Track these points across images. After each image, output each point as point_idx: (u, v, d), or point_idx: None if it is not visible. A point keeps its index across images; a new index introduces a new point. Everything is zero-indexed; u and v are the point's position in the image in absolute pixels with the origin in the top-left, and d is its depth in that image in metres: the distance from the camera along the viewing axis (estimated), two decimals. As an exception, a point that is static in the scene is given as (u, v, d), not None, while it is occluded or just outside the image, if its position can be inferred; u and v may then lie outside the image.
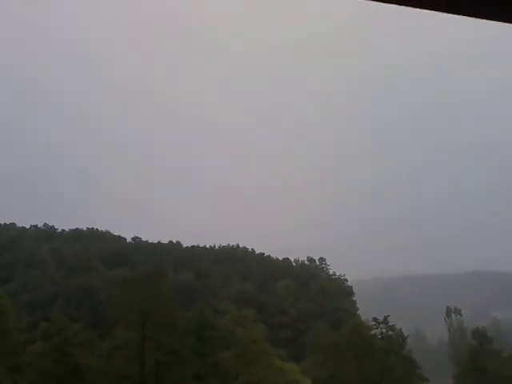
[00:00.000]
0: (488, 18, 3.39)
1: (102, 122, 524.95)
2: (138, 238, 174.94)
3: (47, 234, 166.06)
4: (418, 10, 3.28)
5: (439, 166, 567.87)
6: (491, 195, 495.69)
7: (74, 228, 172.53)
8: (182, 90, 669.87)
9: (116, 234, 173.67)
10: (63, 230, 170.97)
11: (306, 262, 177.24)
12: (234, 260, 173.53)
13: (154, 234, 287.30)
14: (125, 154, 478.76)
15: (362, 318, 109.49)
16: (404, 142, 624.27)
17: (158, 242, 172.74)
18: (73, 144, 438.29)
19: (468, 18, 3.42)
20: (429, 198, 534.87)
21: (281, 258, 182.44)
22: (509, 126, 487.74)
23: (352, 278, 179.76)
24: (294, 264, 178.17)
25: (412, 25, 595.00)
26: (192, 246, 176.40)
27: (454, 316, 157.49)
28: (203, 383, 66.96)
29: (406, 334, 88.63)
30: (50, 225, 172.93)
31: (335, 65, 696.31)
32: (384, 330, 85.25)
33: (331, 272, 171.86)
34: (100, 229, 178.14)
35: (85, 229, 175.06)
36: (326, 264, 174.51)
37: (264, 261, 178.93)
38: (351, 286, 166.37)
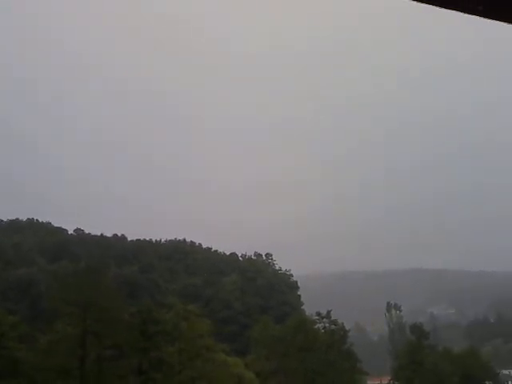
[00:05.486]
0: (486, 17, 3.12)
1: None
2: (80, 230, 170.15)
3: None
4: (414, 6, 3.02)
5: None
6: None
7: (13, 218, 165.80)
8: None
9: (57, 225, 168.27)
10: (1, 221, 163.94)
11: (252, 257, 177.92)
12: (181, 254, 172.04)
13: (98, 227, 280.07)
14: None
15: (306, 313, 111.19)
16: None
17: (101, 234, 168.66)
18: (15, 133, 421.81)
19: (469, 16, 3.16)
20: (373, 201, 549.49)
21: (228, 253, 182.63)
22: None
23: (297, 273, 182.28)
24: (240, 259, 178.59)
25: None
26: (137, 240, 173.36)
27: (393, 311, 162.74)
28: (146, 378, 66.05)
29: (347, 328, 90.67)
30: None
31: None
32: (327, 325, 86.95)
33: (277, 267, 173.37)
34: (40, 220, 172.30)
35: (24, 219, 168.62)
36: (272, 259, 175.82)
37: (211, 255, 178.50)
38: (296, 281, 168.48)
